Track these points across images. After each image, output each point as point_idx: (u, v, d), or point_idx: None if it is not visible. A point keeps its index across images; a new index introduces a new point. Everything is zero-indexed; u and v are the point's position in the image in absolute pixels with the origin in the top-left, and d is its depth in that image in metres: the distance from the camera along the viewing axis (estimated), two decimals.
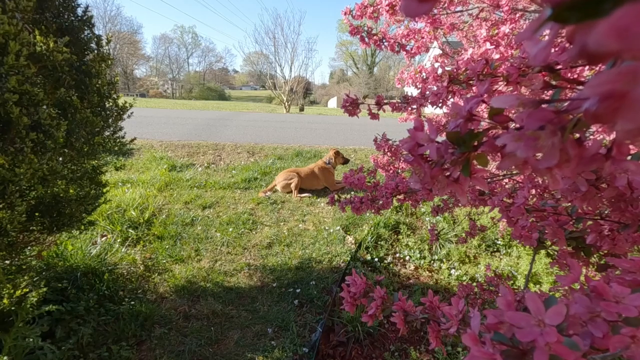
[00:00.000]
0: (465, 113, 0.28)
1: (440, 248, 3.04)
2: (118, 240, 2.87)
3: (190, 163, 5.12)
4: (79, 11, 1.98)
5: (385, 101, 0.93)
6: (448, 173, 0.30)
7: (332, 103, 41.84)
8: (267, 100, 42.91)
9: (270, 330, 2.12)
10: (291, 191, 4.14)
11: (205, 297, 2.36)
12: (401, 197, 1.01)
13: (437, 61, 2.13)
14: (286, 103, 22.56)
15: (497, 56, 0.75)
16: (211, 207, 3.74)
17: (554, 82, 0.34)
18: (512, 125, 0.26)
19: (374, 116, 0.96)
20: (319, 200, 4.05)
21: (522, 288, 2.62)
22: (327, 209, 3.83)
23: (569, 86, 0.33)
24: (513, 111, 0.28)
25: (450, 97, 0.81)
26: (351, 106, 0.92)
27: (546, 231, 0.58)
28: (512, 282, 2.61)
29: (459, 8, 1.66)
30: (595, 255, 0.76)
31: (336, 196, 1.22)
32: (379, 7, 1.23)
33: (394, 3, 1.13)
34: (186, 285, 2.45)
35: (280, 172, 4.39)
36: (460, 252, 2.93)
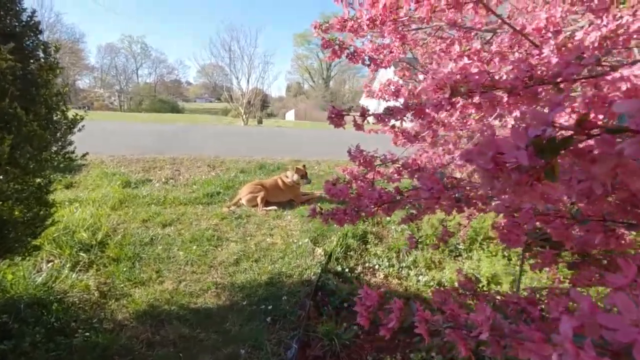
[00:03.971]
0: (549, 120, 0.29)
1: (407, 255, 3.13)
2: (67, 266, 2.60)
3: (147, 179, 4.83)
4: (24, 17, 1.82)
5: (370, 113, 0.95)
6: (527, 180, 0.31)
7: (290, 115, 42.04)
8: (223, 112, 42.05)
9: (243, 351, 2.03)
10: (257, 205, 4.05)
11: (170, 321, 2.20)
12: (385, 207, 1.03)
13: (400, 75, 2.23)
14: (244, 116, 22.29)
15: (475, 70, 0.80)
16: (172, 225, 3.54)
17: None
18: (595, 130, 0.28)
19: (359, 127, 0.98)
20: (285, 213, 4.01)
21: (485, 289, 2.77)
22: (295, 221, 3.80)
23: None
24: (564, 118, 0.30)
25: (448, 107, 0.84)
26: (337, 117, 0.93)
27: (550, 233, 0.62)
28: (477, 284, 2.75)
29: (414, 26, 1.76)
30: (564, 255, 0.83)
31: (318, 208, 1.21)
32: (359, 21, 1.27)
33: (374, 18, 1.18)
34: (148, 310, 2.28)
35: (244, 186, 4.30)
36: (425, 258, 3.04)
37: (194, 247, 3.11)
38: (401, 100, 1.78)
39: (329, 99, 49.37)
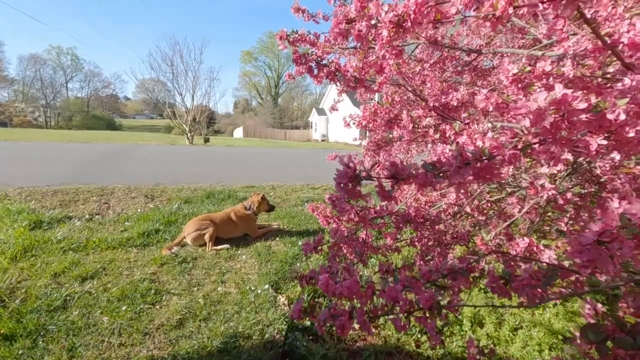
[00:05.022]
0: None
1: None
2: None
3: (65, 216, 3.98)
4: None
5: (403, 177, 0.59)
6: None
7: (238, 133, 41.04)
8: (166, 130, 39.70)
9: None
10: (205, 243, 3.48)
11: None
12: (419, 314, 0.66)
13: (393, 96, 1.92)
14: (189, 134, 21.02)
15: (582, 104, 0.48)
16: (95, 278, 2.84)
17: None
18: None
19: (386, 196, 0.60)
20: (239, 252, 3.48)
21: (468, 333, 2.52)
22: (251, 262, 3.29)
23: None
24: None
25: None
26: (351, 186, 0.55)
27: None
28: (458, 326, 2.49)
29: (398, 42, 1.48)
30: None
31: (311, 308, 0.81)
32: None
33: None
34: None
35: (189, 221, 3.70)
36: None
37: (124, 308, 2.47)
38: (396, 130, 1.46)
39: (277, 116, 49.21)
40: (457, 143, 0.97)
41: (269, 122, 46.11)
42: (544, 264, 0.85)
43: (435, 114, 1.37)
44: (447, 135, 1.00)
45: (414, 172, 0.51)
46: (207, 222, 3.57)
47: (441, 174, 0.51)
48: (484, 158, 0.53)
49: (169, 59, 24.91)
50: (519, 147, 0.55)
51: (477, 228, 1.42)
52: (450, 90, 1.50)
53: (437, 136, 1.05)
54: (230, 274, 3.06)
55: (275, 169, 8.50)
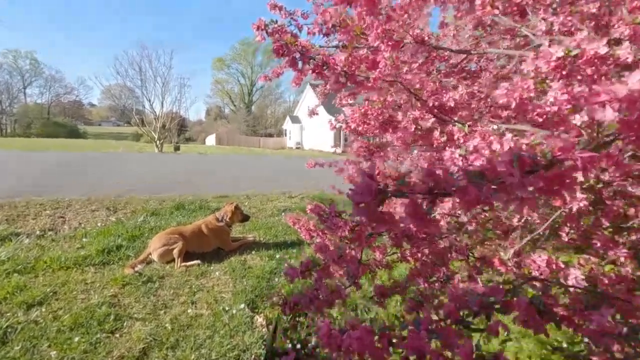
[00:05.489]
0: None
1: (367, 313, 2.65)
2: None
3: (11, 233, 3.54)
4: None
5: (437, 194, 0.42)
6: None
7: (211, 140, 40.09)
8: (134, 138, 38.06)
9: None
10: (173, 259, 3.18)
11: None
12: None
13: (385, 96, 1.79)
14: (158, 141, 20.19)
15: None
16: (43, 304, 2.49)
17: None
18: None
19: (428, 223, 0.43)
20: (212, 267, 3.21)
21: None
22: (225, 278, 3.04)
23: None
24: None
25: None
26: (374, 202, 0.38)
27: None
28: None
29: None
30: None
31: None
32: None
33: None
34: None
35: (155, 235, 3.39)
36: (388, 314, 2.59)
37: (76, 339, 2.15)
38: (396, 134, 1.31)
39: (251, 124, 48.58)
40: (469, 146, 0.83)
41: (243, 130, 45.40)
42: (577, 288, 0.71)
43: (432, 115, 1.24)
44: (456, 137, 0.86)
45: (461, 184, 0.35)
46: (176, 236, 3.28)
47: (496, 187, 0.36)
48: (545, 164, 0.39)
49: (137, 64, 23.99)
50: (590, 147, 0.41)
51: (482, 242, 1.29)
52: (444, 90, 1.38)
53: (443, 139, 0.91)
54: (202, 293, 2.80)
55: (249, 177, 8.22)
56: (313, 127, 28.17)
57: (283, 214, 4.80)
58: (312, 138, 29.44)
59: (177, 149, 21.27)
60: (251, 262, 3.36)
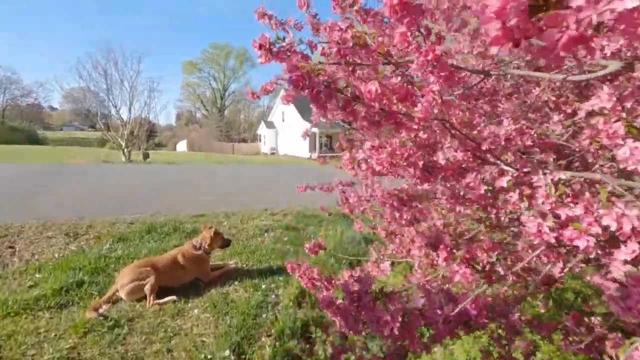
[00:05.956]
0: None
1: (365, 352, 2.40)
2: None
3: None
4: None
5: None
6: None
7: (182, 146, 38.69)
8: (99, 143, 35.94)
9: None
10: (145, 297, 2.80)
11: None
12: None
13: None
14: (125, 149, 19.08)
15: None
16: None
17: None
18: None
19: None
20: (190, 304, 2.85)
21: None
22: (204, 317, 2.69)
23: None
24: None
25: None
26: None
27: None
28: None
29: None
30: None
31: None
32: None
33: None
34: None
35: (124, 268, 2.99)
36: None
37: None
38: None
39: (224, 129, 47.42)
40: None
41: (215, 135, 44.19)
42: None
43: (473, 157, 1.03)
44: (541, 202, 0.64)
45: None
46: (148, 269, 2.90)
47: None
48: None
49: (102, 67, 22.69)
50: None
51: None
52: (477, 121, 1.17)
53: (524, 205, 0.69)
54: (179, 338, 2.44)
55: (226, 191, 7.80)
56: (288, 133, 27.84)
57: (266, 233, 4.49)
58: (287, 143, 29.10)
59: (146, 156, 20.17)
60: (234, 294, 3.03)
